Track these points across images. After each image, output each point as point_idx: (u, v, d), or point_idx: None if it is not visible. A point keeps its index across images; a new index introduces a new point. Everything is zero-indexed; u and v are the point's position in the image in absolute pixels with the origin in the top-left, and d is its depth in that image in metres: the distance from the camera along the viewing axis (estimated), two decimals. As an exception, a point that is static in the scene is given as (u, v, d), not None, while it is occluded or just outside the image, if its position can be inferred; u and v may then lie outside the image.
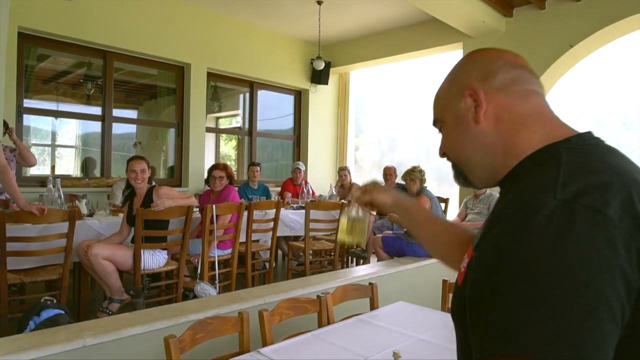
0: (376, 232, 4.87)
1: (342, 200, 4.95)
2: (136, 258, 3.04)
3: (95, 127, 5.44)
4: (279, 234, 4.56)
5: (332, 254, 4.57)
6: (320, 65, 6.47)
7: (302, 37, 6.88)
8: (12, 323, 2.67)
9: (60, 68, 6.29)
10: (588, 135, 0.69)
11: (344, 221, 1.14)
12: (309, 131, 7.32)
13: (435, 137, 0.87)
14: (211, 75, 6.15)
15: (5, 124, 3.54)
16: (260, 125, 7.05)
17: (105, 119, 5.23)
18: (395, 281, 3.43)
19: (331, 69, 7.14)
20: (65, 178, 5.04)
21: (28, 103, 4.83)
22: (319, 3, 5.55)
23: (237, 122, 8.31)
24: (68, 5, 4.35)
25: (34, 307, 2.22)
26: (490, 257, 0.59)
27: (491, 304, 0.56)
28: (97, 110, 5.39)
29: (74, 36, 4.77)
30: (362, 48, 6.89)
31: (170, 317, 2.27)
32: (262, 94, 6.99)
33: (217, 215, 3.45)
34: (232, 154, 8.77)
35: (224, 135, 8.74)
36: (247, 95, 6.89)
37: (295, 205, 5.02)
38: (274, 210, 4.16)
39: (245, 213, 3.86)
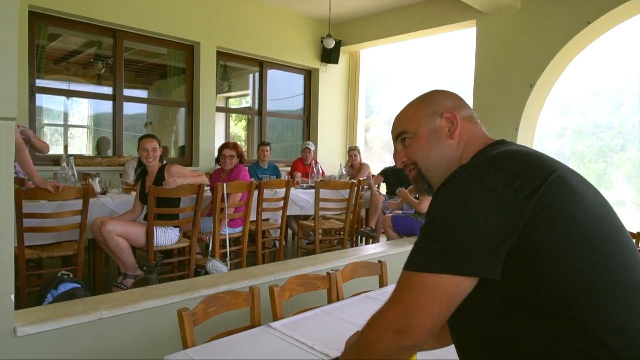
0: (386, 212, 4.88)
1: (352, 180, 4.96)
2: (149, 235, 3.09)
3: (107, 107, 5.47)
4: (289, 213, 4.60)
5: (342, 233, 4.59)
6: (331, 44, 6.39)
7: (312, 16, 6.79)
8: (31, 297, 2.76)
9: (71, 48, 6.30)
10: (499, 141, 1.02)
11: None
12: (319, 111, 7.28)
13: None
14: (221, 55, 6.12)
15: None
16: (271, 106, 7.03)
17: (117, 99, 5.25)
18: (404, 260, 3.43)
19: (342, 48, 7.06)
20: (78, 157, 5.10)
21: (40, 83, 4.86)
22: (330, -20, 5.47)
23: (247, 102, 8.28)
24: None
25: (52, 281, 2.28)
26: (427, 215, 0.90)
27: (416, 243, 0.87)
28: (108, 90, 5.42)
29: (84, 15, 4.76)
30: (374, 26, 6.78)
31: (183, 292, 2.32)
32: (272, 74, 6.95)
33: (227, 194, 3.48)
34: (243, 134, 8.78)
35: (234, 115, 8.73)
36: (257, 75, 6.85)
37: (305, 185, 5.04)
38: (284, 190, 4.18)
39: (256, 192, 3.89)
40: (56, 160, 4.51)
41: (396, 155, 1.14)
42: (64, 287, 2.21)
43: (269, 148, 5.56)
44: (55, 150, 7.66)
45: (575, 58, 5.06)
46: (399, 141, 1.08)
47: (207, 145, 5.89)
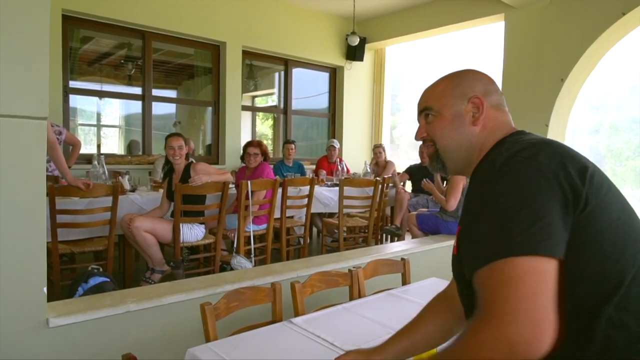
0: (411, 210, 4.83)
1: (377, 178, 4.93)
2: (175, 231, 3.16)
3: (138, 107, 5.62)
4: (313, 210, 4.61)
5: (366, 230, 4.58)
6: (355, 41, 6.37)
7: (337, 13, 6.78)
8: (64, 290, 2.86)
9: (103, 50, 6.50)
10: (522, 131, 1.01)
11: None
12: (344, 109, 7.27)
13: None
14: (246, 54, 6.18)
15: None
16: (296, 104, 7.06)
17: (145, 99, 5.38)
18: (428, 258, 3.42)
19: (366, 45, 7.02)
20: (109, 156, 5.26)
21: (73, 84, 5.04)
22: (354, -23, 5.44)
23: (272, 100, 8.35)
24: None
25: (82, 275, 2.36)
26: (472, 206, 0.88)
27: (476, 232, 0.82)
28: (137, 90, 5.56)
29: (114, 17, 4.90)
30: (399, 22, 6.72)
31: (207, 287, 2.36)
32: (297, 72, 6.97)
33: (252, 192, 3.53)
34: (269, 132, 8.86)
35: (260, 114, 8.81)
36: (282, 73, 6.90)
37: (329, 183, 5.05)
38: (308, 187, 4.20)
39: (280, 190, 3.92)
40: (89, 159, 4.66)
41: (418, 129, 1.11)
42: (93, 281, 2.29)
43: (293, 146, 5.59)
44: (89, 149, 7.93)
45: (610, 51, 4.88)
46: (422, 115, 1.06)
47: (232, 143, 5.97)
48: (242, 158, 4.02)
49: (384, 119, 7.63)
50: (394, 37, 6.83)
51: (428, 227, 4.12)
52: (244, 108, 6.53)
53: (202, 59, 6.05)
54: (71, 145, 4.11)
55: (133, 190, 3.75)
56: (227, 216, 3.72)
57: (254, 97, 8.75)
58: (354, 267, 2.24)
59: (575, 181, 0.79)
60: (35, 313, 1.82)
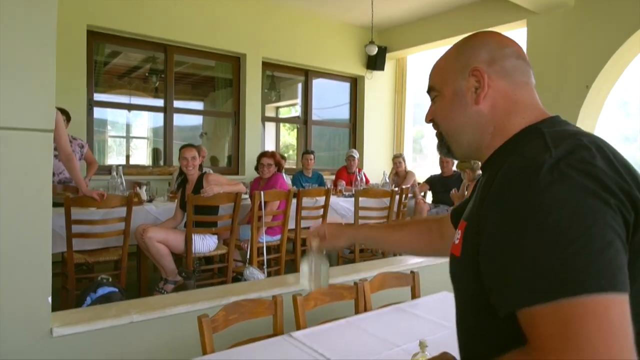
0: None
1: (395, 188, 4.86)
2: (187, 242, 3.18)
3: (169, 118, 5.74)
4: (330, 221, 4.57)
5: (383, 242, 4.51)
6: (373, 51, 6.34)
7: (356, 23, 6.78)
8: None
9: (130, 63, 6.70)
10: (557, 117, 0.81)
11: (304, 268, 1.18)
12: (365, 119, 7.23)
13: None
14: (266, 65, 6.25)
15: (66, 113, 3.83)
16: (317, 114, 7.07)
17: (167, 110, 5.50)
18: (442, 271, 3.30)
19: (387, 54, 6.99)
20: (132, 167, 5.38)
21: (99, 97, 5.20)
22: (372, -14, 5.44)
23: (296, 111, 8.40)
24: (129, 2, 4.60)
25: (91, 285, 2.40)
26: (509, 218, 0.65)
27: (519, 258, 0.63)
28: (160, 103, 5.68)
29: (137, 31, 5.05)
30: (419, 31, 6.66)
31: (213, 298, 2.35)
32: (318, 83, 7.00)
33: (265, 202, 3.52)
34: (295, 142, 8.91)
35: (286, 124, 8.87)
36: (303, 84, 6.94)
37: (347, 193, 5.01)
38: (324, 198, 4.17)
39: (295, 200, 3.90)
40: (109, 170, 4.79)
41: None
42: (102, 291, 2.32)
43: (312, 156, 5.58)
44: (119, 160, 8.15)
45: (633, 60, 4.70)
46: (430, 96, 0.92)
47: (252, 154, 6.00)
48: (257, 169, 4.04)
49: (405, 129, 7.54)
50: (415, 45, 6.78)
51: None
52: (268, 119, 6.58)
53: (224, 70, 6.15)
54: (88, 163, 4.21)
55: (150, 200, 3.81)
56: (241, 227, 3.73)
57: (277, 107, 8.81)
58: (359, 280, 2.19)
59: (637, 196, 0.63)
60: (40, 322, 1.85)
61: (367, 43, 6.71)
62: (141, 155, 9.35)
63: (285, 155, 8.27)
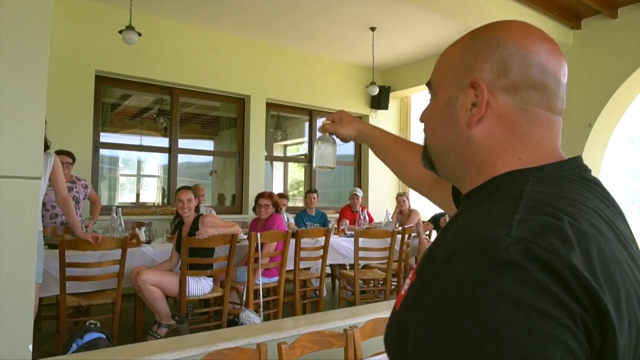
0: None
1: (399, 227, 4.80)
2: (181, 285, 3.15)
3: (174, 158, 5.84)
4: (331, 261, 4.51)
5: (383, 283, 4.41)
6: (374, 91, 6.43)
7: (359, 63, 6.92)
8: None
9: (140, 105, 6.89)
10: (569, 163, 0.58)
11: (315, 149, 1.23)
12: (370, 157, 7.25)
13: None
14: (270, 105, 6.36)
15: (71, 155, 3.95)
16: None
17: (172, 151, 5.59)
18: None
19: (391, 94, 7.08)
20: (136, 207, 5.42)
21: (107, 137, 5.34)
22: (372, 29, 5.57)
23: (303, 149, 8.48)
24: (136, 48, 4.76)
25: (79, 330, 2.37)
26: (432, 295, 0.49)
27: (426, 344, 0.48)
28: (165, 143, 5.78)
29: (143, 75, 5.21)
30: (422, 71, 6.76)
31: (202, 345, 2.29)
32: (321, 122, 7.07)
33: (262, 244, 3.50)
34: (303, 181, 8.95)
35: (296, 162, 8.93)
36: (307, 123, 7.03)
37: (349, 233, 4.95)
38: (324, 238, 4.13)
39: (294, 240, 3.87)
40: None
41: None
42: (88, 337, 2.28)
43: (315, 195, 5.57)
44: (130, 197, 8.25)
45: (638, 96, 4.68)
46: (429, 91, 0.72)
47: (256, 193, 6.02)
48: (254, 209, 4.04)
49: (410, 167, 7.52)
50: (418, 85, 6.86)
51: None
52: (269, 158, 6.63)
53: (230, 110, 6.27)
54: (92, 202, 4.28)
55: (149, 242, 3.81)
56: (238, 268, 3.69)
57: (285, 145, 8.91)
58: (349, 327, 2.13)
59: (605, 304, 0.44)
60: (19, 372, 1.81)
61: (368, 84, 6.82)
62: (151, 194, 9.46)
63: (295, 192, 8.30)
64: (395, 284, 4.66)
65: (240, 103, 6.11)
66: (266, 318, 3.61)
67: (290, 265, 3.91)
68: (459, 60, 0.63)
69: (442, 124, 0.64)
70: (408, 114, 7.53)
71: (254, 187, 6.02)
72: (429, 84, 0.69)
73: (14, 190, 1.82)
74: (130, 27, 4.30)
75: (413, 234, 5.06)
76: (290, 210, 5.96)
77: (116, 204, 5.59)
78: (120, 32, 4.32)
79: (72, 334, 2.36)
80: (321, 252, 4.13)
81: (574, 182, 0.56)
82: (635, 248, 0.54)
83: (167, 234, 4.05)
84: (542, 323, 0.42)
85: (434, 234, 5.71)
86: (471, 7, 4.26)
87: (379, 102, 6.99)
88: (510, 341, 0.41)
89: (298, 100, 6.51)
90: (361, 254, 4.19)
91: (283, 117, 7.48)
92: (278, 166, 8.05)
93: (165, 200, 5.76)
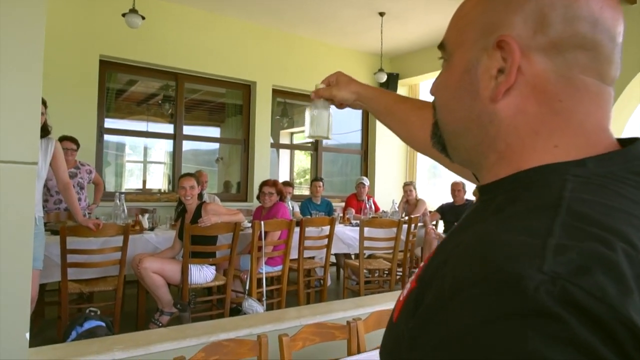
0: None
1: (405, 217, 4.73)
2: (184, 272, 3.12)
3: (183, 144, 5.80)
4: (336, 251, 4.46)
5: (389, 273, 4.36)
6: (382, 78, 6.32)
7: (367, 50, 6.80)
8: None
9: (147, 90, 6.84)
10: (620, 155, 0.43)
11: (307, 115, 1.07)
12: (377, 145, 7.17)
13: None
14: (277, 92, 6.27)
15: (75, 140, 3.91)
16: (329, 140, 7.03)
17: (176, 137, 5.54)
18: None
19: (400, 81, 6.95)
20: (140, 193, 5.40)
21: (113, 123, 5.29)
22: (381, 15, 5.44)
23: (309, 137, 8.40)
24: (140, 33, 4.69)
25: (78, 318, 2.35)
26: (432, 336, 0.38)
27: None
28: (170, 129, 5.73)
29: (148, 61, 5.14)
30: (431, 58, 6.61)
31: (201, 335, 2.26)
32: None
33: (265, 232, 3.45)
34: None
35: (303, 150, 8.86)
36: (314, 110, 6.93)
37: (355, 222, 4.90)
38: (329, 227, 4.08)
39: (298, 229, 3.82)
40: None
41: None
42: (88, 324, 2.26)
43: (321, 183, 5.51)
44: (137, 184, 8.25)
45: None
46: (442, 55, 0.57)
47: (261, 181, 5.98)
48: (259, 197, 3.99)
49: (418, 156, 7.43)
50: (427, 72, 6.73)
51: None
52: (281, 146, 6.56)
53: (235, 97, 6.20)
54: (95, 184, 4.26)
55: (152, 229, 3.78)
56: (242, 257, 3.65)
57: (292, 133, 8.83)
58: (353, 319, 2.08)
59: None
60: (17, 358, 1.79)
61: (376, 70, 6.71)
62: (157, 181, 9.46)
63: (302, 180, 8.23)
64: (401, 273, 4.62)
65: (246, 89, 6.03)
66: (269, 307, 3.58)
67: (294, 254, 3.86)
68: (481, 12, 0.49)
69: (457, 96, 0.50)
70: (416, 102, 7.40)
71: (259, 175, 5.96)
72: (441, 46, 0.55)
73: (9, 175, 1.77)
74: (133, 10, 4.23)
75: (419, 224, 5.00)
76: (296, 198, 5.90)
77: (122, 190, 5.56)
78: (124, 15, 4.24)
79: (72, 321, 2.34)
80: (326, 241, 4.08)
81: (627, 182, 0.41)
82: None
83: (171, 221, 4.01)
84: None
85: (441, 225, 5.64)
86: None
87: (387, 89, 6.87)
88: None
89: (305, 87, 6.41)
90: (366, 243, 4.13)
91: (289, 104, 7.39)
92: (284, 154, 7.98)
93: (170, 187, 5.73)
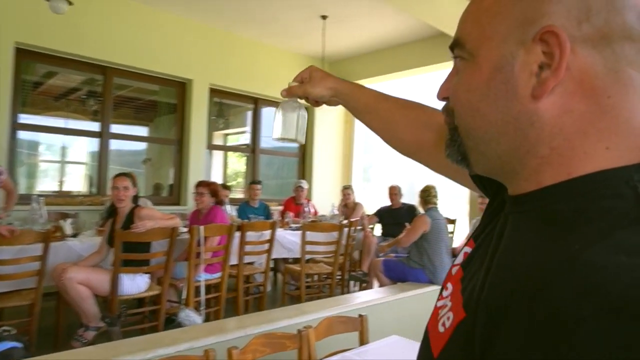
0: (379, 255, 4.63)
1: (344, 221, 4.73)
2: (113, 283, 2.85)
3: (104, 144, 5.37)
4: (276, 256, 4.35)
5: (329, 278, 4.33)
6: (323, 82, 6.31)
7: (308, 53, 6.77)
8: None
9: (68, 84, 6.29)
10: None
11: (276, 115, 0.97)
12: (314, 148, 7.15)
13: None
14: (214, 92, 6.05)
15: None
16: (266, 143, 6.90)
17: (103, 136, 5.13)
18: (392, 310, 3.18)
19: (338, 85, 6.99)
20: (60, 196, 4.93)
21: (27, 119, 4.77)
22: (324, 18, 5.43)
23: (245, 139, 8.21)
24: (66, 21, 4.29)
25: (-11, 339, 2.04)
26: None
27: None
28: (95, 127, 5.30)
29: (73, 52, 4.72)
30: (371, 63, 6.72)
31: (136, 352, 2.06)
32: (267, 112, 6.86)
33: (205, 237, 3.27)
34: (245, 170, 8.67)
35: (236, 152, 8.63)
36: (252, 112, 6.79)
37: (294, 226, 4.81)
38: (269, 232, 3.96)
39: (239, 234, 3.67)
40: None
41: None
42: (2, 346, 1.97)
43: (259, 186, 5.37)
44: (52, 185, 7.56)
45: None
46: (454, 54, 0.50)
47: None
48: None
49: (354, 159, 7.52)
50: (367, 77, 6.80)
51: (394, 275, 3.90)
52: (216, 147, 6.32)
53: (168, 95, 5.88)
54: (7, 192, 3.78)
55: (75, 235, 3.44)
56: (178, 264, 3.43)
57: (226, 134, 8.58)
58: (304, 327, 2.00)
59: None
60: None
61: (316, 74, 6.69)
62: (76, 182, 8.75)
63: (234, 183, 8.00)
64: (340, 277, 4.61)
65: (181, 87, 5.74)
66: (207, 317, 3.39)
67: (233, 260, 3.70)
68: (512, 3, 0.43)
69: (489, 97, 0.44)
70: (354, 107, 7.49)
71: (194, 177, 5.69)
72: (456, 44, 0.48)
73: None
74: (58, -6, 3.85)
75: (358, 227, 5.03)
76: (230, 201, 5.71)
77: (36, 192, 5.04)
78: (46, -1, 3.85)
79: (-20, 342, 2.03)
80: (266, 246, 3.96)
81: None
82: None
83: (97, 227, 3.68)
84: None
85: (378, 228, 5.72)
86: (424, 1, 4.24)
87: (326, 93, 6.88)
88: None
89: (244, 88, 6.24)
90: (308, 247, 4.07)
91: (226, 105, 7.16)
92: (216, 156, 7.73)
93: (94, 190, 5.29)
